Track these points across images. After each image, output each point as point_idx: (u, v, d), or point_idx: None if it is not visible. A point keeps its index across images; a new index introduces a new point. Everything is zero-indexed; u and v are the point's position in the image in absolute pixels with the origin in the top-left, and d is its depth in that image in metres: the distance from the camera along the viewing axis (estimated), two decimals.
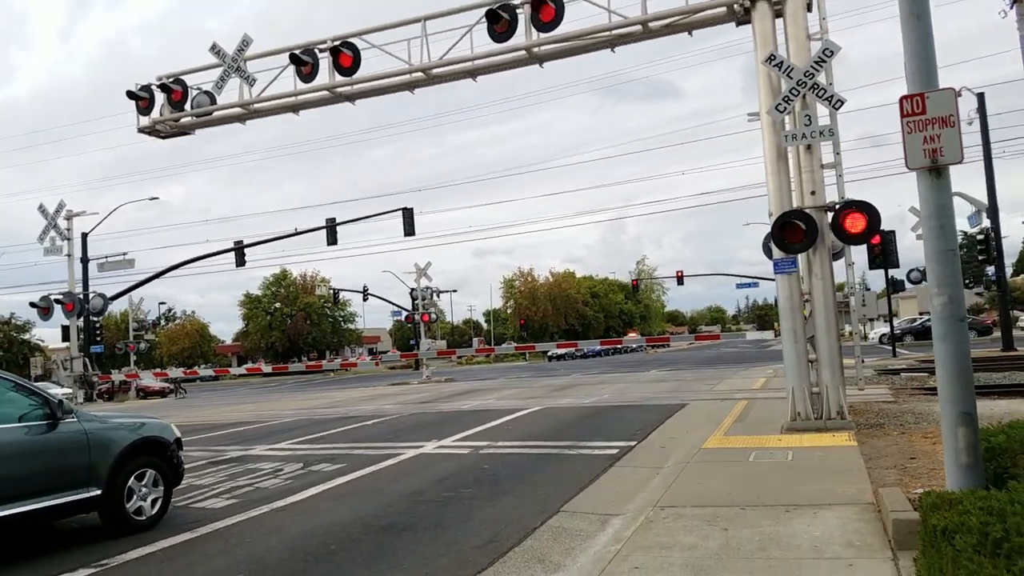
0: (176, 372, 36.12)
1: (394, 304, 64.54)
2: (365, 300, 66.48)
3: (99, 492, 7.19)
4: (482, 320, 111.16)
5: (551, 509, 7.47)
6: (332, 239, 36.00)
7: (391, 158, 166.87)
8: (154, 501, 7.77)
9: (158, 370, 47.51)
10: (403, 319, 53.14)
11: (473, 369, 57.40)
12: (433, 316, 47.25)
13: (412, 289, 46.50)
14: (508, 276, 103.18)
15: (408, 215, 33.45)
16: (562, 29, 13.31)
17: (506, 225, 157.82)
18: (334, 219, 36.16)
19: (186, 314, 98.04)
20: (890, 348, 32.31)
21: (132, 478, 7.53)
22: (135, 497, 7.54)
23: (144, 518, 7.60)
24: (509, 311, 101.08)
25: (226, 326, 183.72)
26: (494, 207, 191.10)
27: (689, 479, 8.29)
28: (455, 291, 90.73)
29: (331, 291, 71.90)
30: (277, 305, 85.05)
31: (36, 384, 7.67)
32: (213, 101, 16.43)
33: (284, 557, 6.42)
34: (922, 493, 4.69)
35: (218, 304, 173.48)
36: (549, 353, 63.87)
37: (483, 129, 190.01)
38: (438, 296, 52.59)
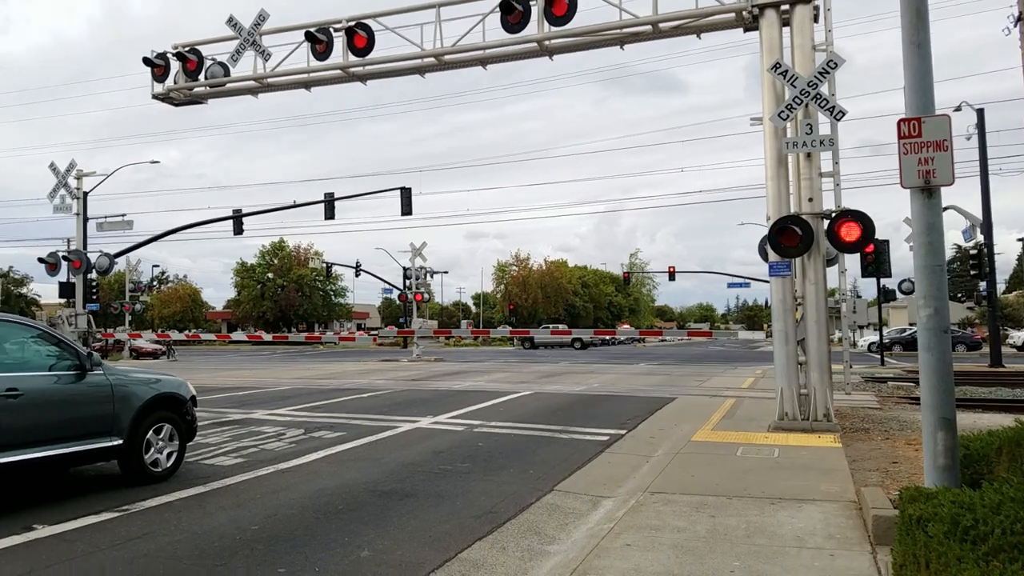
0: (178, 335, 36.49)
1: (386, 282, 64.80)
2: (357, 276, 66.63)
3: (120, 442, 7.60)
4: (471, 303, 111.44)
5: (545, 488, 7.84)
6: (330, 213, 36.04)
7: (391, 134, 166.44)
8: (169, 454, 8.17)
9: (161, 331, 47.73)
10: (397, 297, 53.43)
11: (461, 351, 57.77)
12: (425, 296, 47.58)
13: (406, 268, 46.72)
14: (503, 261, 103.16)
15: (406, 194, 33.60)
16: (573, 24, 13.50)
17: (501, 210, 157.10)
18: (332, 194, 36.18)
19: (178, 278, 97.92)
20: (878, 357, 32.72)
21: (151, 431, 7.94)
22: (152, 449, 7.94)
23: (160, 470, 8.00)
24: (499, 296, 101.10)
25: (215, 292, 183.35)
26: (490, 191, 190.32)
27: (678, 468, 8.68)
28: (446, 272, 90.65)
29: (324, 265, 72.15)
30: (270, 275, 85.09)
31: (69, 338, 8.01)
32: (227, 72, 16.64)
33: (295, 513, 6.77)
34: (902, 489, 5.07)
35: (208, 270, 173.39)
36: (536, 340, 64.26)
37: (485, 110, 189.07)
38: (431, 276, 52.85)
